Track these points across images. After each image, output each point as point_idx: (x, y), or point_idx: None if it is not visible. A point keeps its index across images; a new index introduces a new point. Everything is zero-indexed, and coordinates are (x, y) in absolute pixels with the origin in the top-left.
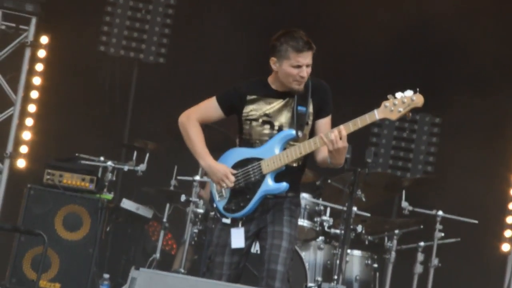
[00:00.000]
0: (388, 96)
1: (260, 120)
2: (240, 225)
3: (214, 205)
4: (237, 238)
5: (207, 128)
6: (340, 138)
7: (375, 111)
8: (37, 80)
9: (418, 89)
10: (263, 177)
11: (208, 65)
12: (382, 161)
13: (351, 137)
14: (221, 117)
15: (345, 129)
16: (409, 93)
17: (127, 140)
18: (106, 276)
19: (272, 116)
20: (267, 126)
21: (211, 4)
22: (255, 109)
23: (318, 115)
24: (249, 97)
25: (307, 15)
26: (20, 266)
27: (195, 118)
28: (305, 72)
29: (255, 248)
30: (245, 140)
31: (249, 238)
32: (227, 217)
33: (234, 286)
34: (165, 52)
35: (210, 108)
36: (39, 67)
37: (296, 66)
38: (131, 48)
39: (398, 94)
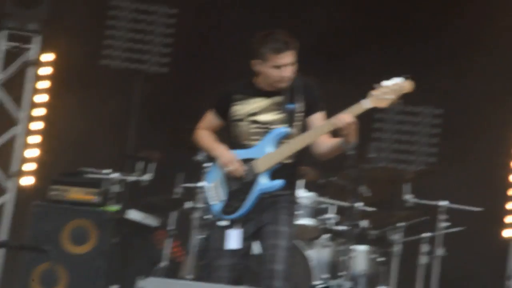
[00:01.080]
0: (375, 86)
1: (247, 120)
2: (236, 226)
3: (210, 209)
4: (233, 239)
5: None
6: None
7: (364, 102)
8: (42, 98)
9: (406, 76)
10: (257, 176)
11: (212, 72)
12: (385, 155)
13: None
14: (221, 123)
15: (337, 121)
16: (397, 79)
17: (132, 151)
18: (115, 287)
19: (258, 115)
20: (254, 126)
21: (213, 11)
22: (241, 109)
23: (309, 112)
24: (234, 97)
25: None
26: (29, 283)
27: (201, 129)
28: (287, 71)
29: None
30: (235, 143)
31: (247, 239)
32: (224, 220)
33: None
34: (168, 62)
35: (209, 118)
36: (44, 84)
37: (277, 67)
38: (134, 60)
39: (386, 82)
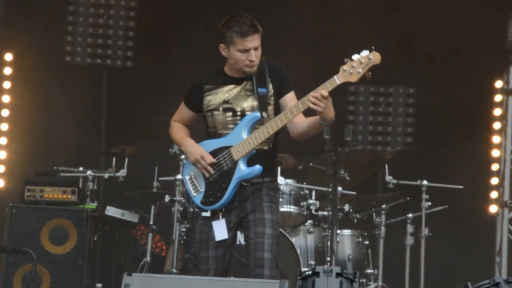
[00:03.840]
0: (345, 60)
1: (221, 109)
2: (220, 216)
3: (191, 201)
4: (220, 230)
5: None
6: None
7: (335, 77)
8: (5, 98)
9: (373, 47)
10: (235, 164)
11: (177, 63)
12: (362, 138)
13: None
14: (194, 115)
15: (308, 100)
16: (365, 52)
17: (104, 147)
18: (99, 285)
19: (232, 103)
20: (229, 114)
21: (173, 2)
22: (213, 98)
23: (280, 93)
24: (206, 87)
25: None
26: (11, 286)
27: (174, 121)
28: (254, 55)
29: (241, 238)
30: (211, 133)
31: (232, 229)
32: (206, 211)
33: (227, 280)
34: (132, 55)
35: (182, 110)
36: (6, 85)
37: (243, 50)
38: (97, 55)
39: (355, 56)
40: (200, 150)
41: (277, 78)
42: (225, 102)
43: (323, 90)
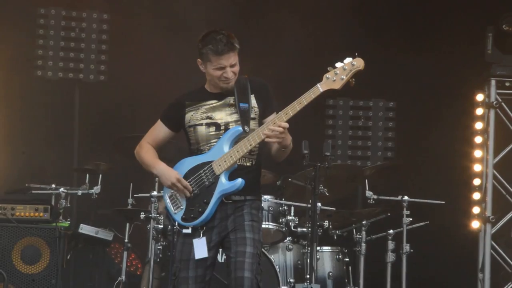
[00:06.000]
0: (328, 68)
1: (204, 123)
2: (201, 234)
3: (172, 219)
4: (200, 248)
5: None
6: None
7: (318, 85)
8: None
9: (356, 54)
10: (216, 178)
11: (151, 77)
12: (341, 152)
13: (307, 132)
14: (171, 134)
15: (291, 110)
16: (348, 59)
17: (78, 164)
18: None
19: (214, 117)
20: (212, 128)
21: (144, 14)
22: (195, 113)
23: (264, 113)
24: (187, 103)
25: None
26: None
27: (146, 142)
28: (230, 72)
29: (223, 257)
30: (193, 150)
31: (213, 248)
32: (187, 227)
33: None
34: (105, 69)
35: (157, 129)
36: None
37: (219, 68)
38: (69, 69)
39: (338, 64)
40: (175, 173)
41: (261, 97)
42: (208, 117)
43: (281, 121)
